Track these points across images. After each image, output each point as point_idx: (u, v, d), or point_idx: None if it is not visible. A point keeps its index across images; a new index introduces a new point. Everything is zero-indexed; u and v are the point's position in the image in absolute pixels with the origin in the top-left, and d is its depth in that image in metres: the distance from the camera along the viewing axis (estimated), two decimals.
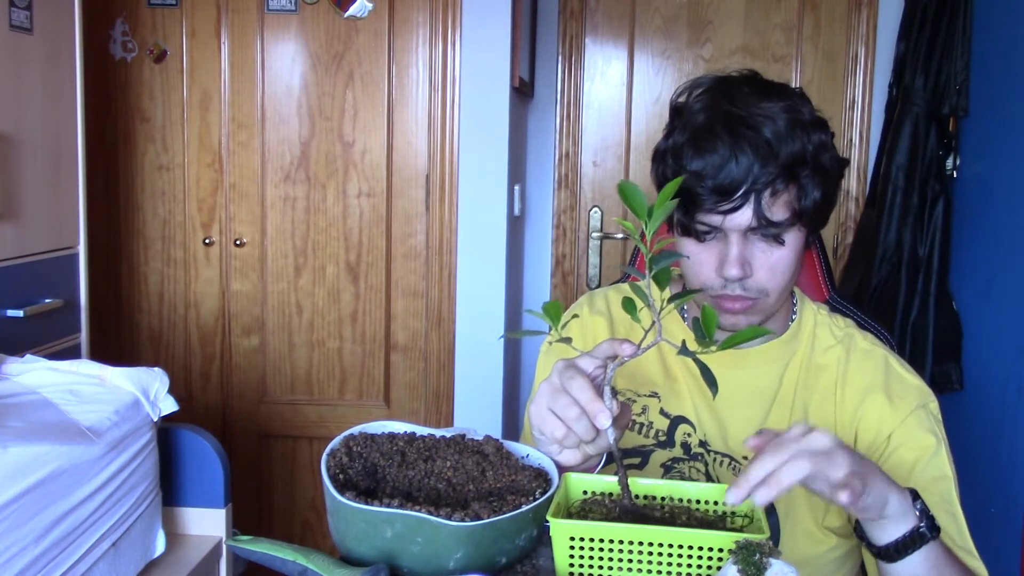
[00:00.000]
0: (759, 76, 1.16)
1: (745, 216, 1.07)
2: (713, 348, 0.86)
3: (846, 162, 1.16)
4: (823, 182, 1.10)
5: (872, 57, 2.94)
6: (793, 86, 1.16)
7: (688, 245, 1.13)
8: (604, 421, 0.91)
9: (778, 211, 1.08)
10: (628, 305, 0.91)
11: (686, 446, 1.21)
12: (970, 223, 2.51)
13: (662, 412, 1.23)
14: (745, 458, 1.17)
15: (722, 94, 1.11)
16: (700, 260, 1.12)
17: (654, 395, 1.24)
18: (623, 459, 0.94)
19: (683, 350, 0.87)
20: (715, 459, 1.19)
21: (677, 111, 1.15)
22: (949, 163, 2.59)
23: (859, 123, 2.97)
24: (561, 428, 0.94)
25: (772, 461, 0.86)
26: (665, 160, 1.13)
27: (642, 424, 1.23)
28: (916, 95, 2.58)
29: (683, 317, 1.27)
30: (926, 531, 0.94)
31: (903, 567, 0.95)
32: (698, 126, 1.09)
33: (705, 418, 1.20)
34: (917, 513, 0.94)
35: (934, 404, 1.18)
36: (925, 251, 2.58)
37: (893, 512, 0.93)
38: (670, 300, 0.91)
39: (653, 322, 0.89)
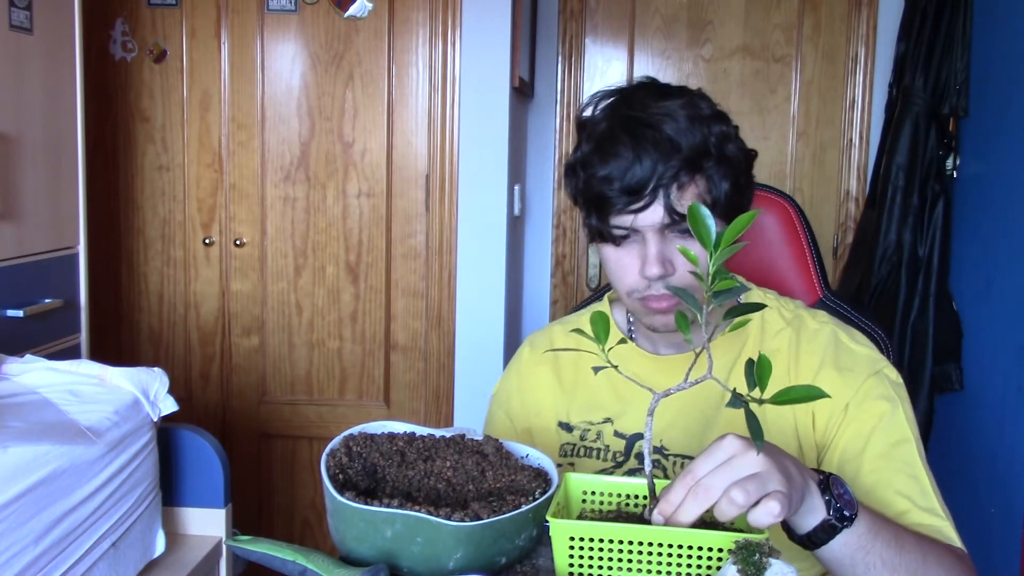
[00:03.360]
0: (656, 81, 1.18)
1: (656, 213, 1.08)
2: (764, 400, 0.83)
3: (754, 153, 1.18)
4: (731, 172, 1.12)
5: (872, 57, 2.94)
6: (692, 87, 1.18)
7: (608, 251, 1.15)
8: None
9: (688, 204, 1.07)
10: (681, 322, 0.91)
11: (642, 456, 1.21)
12: (970, 223, 2.51)
13: (616, 434, 1.24)
14: None
15: (621, 101, 1.14)
16: (622, 264, 1.14)
17: (607, 421, 1.25)
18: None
19: (734, 400, 0.84)
20: (674, 462, 1.20)
21: (582, 125, 1.17)
22: (949, 163, 2.58)
23: (859, 123, 2.97)
24: None
25: (699, 503, 0.84)
26: (576, 173, 1.15)
27: (599, 449, 1.24)
28: (916, 95, 2.58)
29: (629, 322, 1.28)
30: (835, 523, 0.92)
31: (825, 553, 0.94)
32: (601, 134, 1.12)
33: (659, 427, 1.21)
34: (824, 504, 0.92)
35: (889, 370, 1.18)
36: (925, 251, 2.58)
37: (804, 509, 0.92)
38: (725, 316, 0.92)
39: (693, 325, 0.91)
